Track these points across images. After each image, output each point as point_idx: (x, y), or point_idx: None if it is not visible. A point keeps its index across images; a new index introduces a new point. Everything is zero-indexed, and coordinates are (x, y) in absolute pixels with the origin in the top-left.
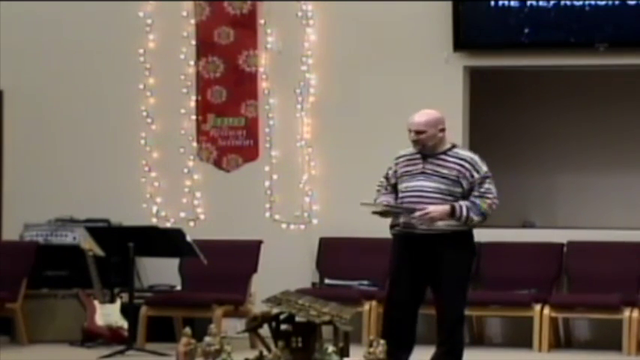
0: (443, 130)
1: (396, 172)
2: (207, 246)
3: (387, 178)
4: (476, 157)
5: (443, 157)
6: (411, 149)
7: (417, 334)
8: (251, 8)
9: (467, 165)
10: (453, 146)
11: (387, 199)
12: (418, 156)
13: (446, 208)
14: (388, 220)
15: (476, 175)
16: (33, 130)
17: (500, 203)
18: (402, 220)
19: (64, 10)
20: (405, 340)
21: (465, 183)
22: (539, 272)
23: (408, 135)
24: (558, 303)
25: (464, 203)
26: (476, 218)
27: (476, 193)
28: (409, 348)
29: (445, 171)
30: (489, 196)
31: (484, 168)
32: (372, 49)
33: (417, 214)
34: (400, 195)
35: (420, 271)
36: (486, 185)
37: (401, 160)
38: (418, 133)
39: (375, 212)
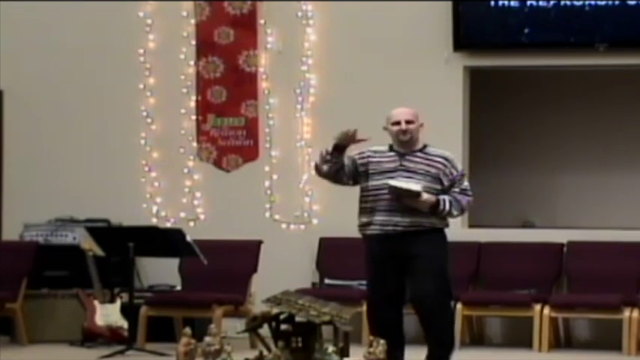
0: (422, 125)
1: (366, 164)
2: (207, 246)
3: (353, 159)
4: (451, 155)
5: (420, 154)
6: (383, 147)
7: (411, 334)
8: (251, 8)
9: (445, 162)
10: (425, 145)
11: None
12: (393, 154)
13: (432, 199)
14: None
15: (455, 173)
16: (33, 130)
17: (500, 203)
18: (379, 217)
19: (63, 10)
20: (396, 340)
21: (445, 180)
22: (539, 272)
23: (390, 128)
24: (558, 303)
25: (447, 198)
26: (455, 213)
27: (457, 190)
28: (402, 347)
29: (425, 168)
30: (469, 193)
31: (460, 165)
32: (372, 49)
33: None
34: (378, 192)
35: (399, 270)
36: (465, 182)
37: (377, 155)
38: (408, 122)
39: (400, 193)
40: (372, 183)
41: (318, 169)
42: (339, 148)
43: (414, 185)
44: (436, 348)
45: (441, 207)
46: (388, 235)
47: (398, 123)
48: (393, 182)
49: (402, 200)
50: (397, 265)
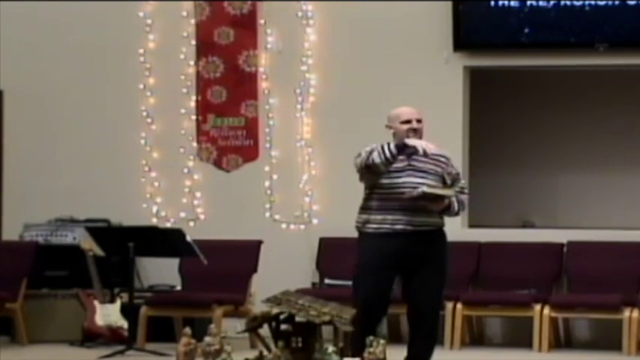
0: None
1: None
2: (207, 246)
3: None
4: (448, 154)
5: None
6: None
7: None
8: (251, 8)
9: (447, 161)
10: None
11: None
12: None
13: (447, 202)
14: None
15: (453, 171)
16: (33, 130)
17: (500, 203)
18: (389, 216)
19: (64, 10)
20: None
21: (448, 179)
22: (539, 272)
23: (398, 127)
24: (558, 303)
25: (454, 199)
26: (460, 213)
27: (458, 189)
28: None
29: (433, 167)
30: (467, 191)
31: (455, 164)
32: (372, 49)
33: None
34: (387, 190)
35: (399, 269)
36: (463, 181)
37: None
38: (419, 121)
39: (430, 197)
40: (381, 181)
41: (372, 166)
42: (400, 149)
43: (447, 191)
44: (424, 348)
45: (451, 208)
46: (397, 233)
47: (409, 122)
48: (427, 189)
49: (419, 202)
50: (400, 264)
